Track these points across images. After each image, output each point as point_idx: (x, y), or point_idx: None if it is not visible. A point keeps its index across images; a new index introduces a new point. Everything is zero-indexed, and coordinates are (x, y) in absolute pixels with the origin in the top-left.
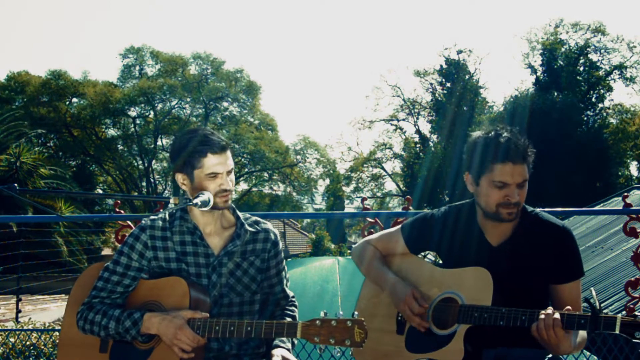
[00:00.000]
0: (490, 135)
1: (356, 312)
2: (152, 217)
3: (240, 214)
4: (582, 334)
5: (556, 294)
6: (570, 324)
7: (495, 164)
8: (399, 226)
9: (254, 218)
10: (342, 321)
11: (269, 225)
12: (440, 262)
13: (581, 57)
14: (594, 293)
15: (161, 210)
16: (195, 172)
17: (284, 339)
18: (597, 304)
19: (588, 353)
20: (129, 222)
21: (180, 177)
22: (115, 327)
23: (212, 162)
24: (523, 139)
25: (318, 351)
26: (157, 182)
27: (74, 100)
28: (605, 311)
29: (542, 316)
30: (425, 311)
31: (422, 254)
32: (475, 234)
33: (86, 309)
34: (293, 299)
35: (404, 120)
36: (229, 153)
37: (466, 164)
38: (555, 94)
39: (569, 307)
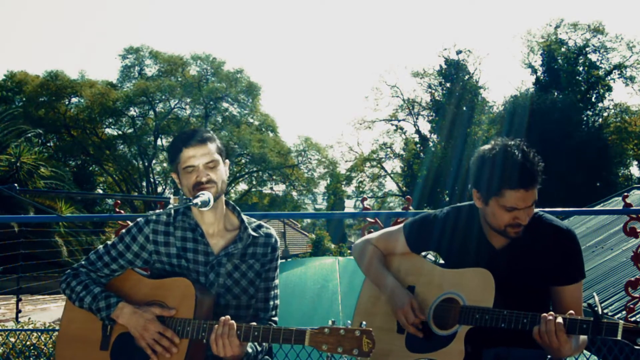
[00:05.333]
0: (500, 155)
1: (364, 322)
2: (158, 211)
3: (245, 217)
4: (583, 336)
5: (558, 296)
6: (573, 329)
7: (507, 189)
8: (401, 225)
9: (258, 222)
10: (350, 330)
11: (271, 230)
12: (441, 262)
13: (581, 57)
14: (596, 298)
15: (161, 210)
16: (179, 169)
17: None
18: (600, 309)
19: (588, 353)
20: (129, 222)
21: (174, 177)
22: (90, 302)
23: (186, 156)
24: (535, 158)
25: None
26: (157, 182)
27: (73, 100)
28: (605, 310)
29: (545, 320)
30: (420, 322)
31: (423, 253)
32: (478, 236)
33: (72, 274)
34: (274, 318)
35: (403, 120)
36: (210, 145)
37: (473, 180)
38: (555, 94)
39: (572, 311)
